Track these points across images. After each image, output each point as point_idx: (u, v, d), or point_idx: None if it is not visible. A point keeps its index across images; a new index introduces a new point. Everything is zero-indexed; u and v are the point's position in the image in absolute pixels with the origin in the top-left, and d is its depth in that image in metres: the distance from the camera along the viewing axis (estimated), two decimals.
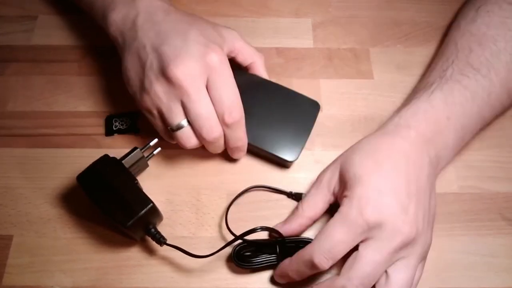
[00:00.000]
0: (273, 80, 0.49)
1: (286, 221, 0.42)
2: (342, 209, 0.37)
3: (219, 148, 0.43)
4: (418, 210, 0.38)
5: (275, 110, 0.47)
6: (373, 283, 0.37)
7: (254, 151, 0.47)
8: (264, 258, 0.41)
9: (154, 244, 0.42)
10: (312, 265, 0.36)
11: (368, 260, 0.36)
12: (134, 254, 0.42)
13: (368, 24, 0.56)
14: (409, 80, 0.52)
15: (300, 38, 0.55)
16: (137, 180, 0.42)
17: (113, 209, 0.38)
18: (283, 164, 0.46)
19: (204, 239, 0.43)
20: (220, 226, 0.44)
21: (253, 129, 0.45)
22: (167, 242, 0.40)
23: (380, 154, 0.40)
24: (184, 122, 0.40)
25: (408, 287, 0.37)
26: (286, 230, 0.41)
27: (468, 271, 0.42)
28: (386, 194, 0.37)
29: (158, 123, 0.42)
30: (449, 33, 0.50)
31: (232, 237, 0.40)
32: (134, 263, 0.42)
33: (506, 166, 0.47)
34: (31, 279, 0.41)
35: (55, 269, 0.41)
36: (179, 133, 0.40)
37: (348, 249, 0.37)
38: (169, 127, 0.41)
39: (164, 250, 0.42)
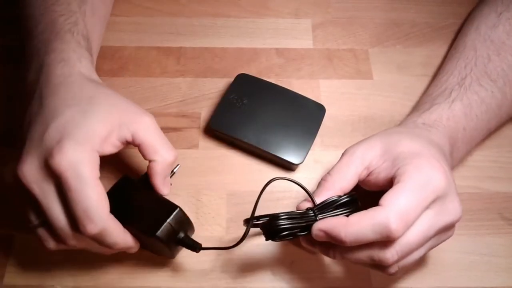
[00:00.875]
0: (273, 80, 0.50)
1: (316, 194, 0.37)
2: (411, 176, 0.34)
3: (105, 249, 0.36)
4: None
5: (281, 114, 0.47)
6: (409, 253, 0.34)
7: (260, 154, 0.47)
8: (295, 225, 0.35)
9: None
10: (385, 229, 0.32)
11: (418, 230, 0.33)
12: (134, 253, 0.42)
13: (368, 25, 0.56)
14: (409, 80, 0.52)
15: (299, 38, 0.55)
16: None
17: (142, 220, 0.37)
18: (288, 166, 0.47)
19: (204, 239, 0.43)
20: (220, 226, 0.44)
21: (259, 132, 0.46)
22: (202, 246, 0.38)
23: (424, 139, 0.38)
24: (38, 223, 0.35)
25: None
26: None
27: (467, 271, 0.42)
28: (446, 169, 0.35)
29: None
30: (467, 34, 0.49)
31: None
32: (134, 262, 0.42)
33: (505, 166, 0.47)
34: (32, 278, 0.41)
35: (56, 268, 0.42)
36: (39, 231, 0.36)
37: (418, 218, 0.33)
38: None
39: None
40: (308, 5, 0.57)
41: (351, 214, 0.34)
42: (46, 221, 0.34)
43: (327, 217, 0.35)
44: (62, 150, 0.33)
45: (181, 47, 0.54)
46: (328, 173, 0.38)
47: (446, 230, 0.36)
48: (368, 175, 0.38)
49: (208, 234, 0.43)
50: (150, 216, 0.37)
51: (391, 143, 0.38)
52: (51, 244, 0.36)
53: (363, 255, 0.34)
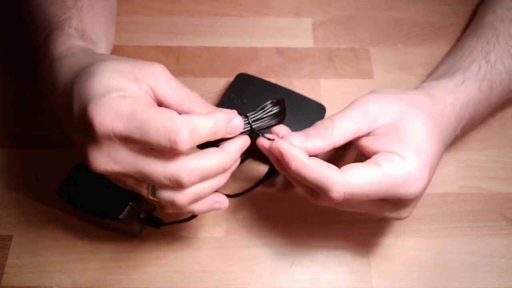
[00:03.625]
0: (273, 80, 0.49)
1: (309, 137, 0.35)
2: (392, 166, 0.33)
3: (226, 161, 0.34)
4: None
5: None
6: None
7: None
8: None
9: (154, 243, 0.42)
10: (324, 194, 0.33)
11: (366, 205, 0.35)
12: (133, 254, 0.42)
13: (369, 24, 0.56)
14: (410, 80, 0.52)
15: (300, 38, 0.55)
16: None
17: (103, 207, 0.38)
18: None
19: (204, 239, 0.43)
20: (219, 226, 0.44)
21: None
22: (165, 221, 0.40)
23: (439, 125, 0.37)
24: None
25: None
26: (307, 147, 0.35)
27: (469, 272, 0.42)
28: (430, 173, 0.35)
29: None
30: (483, 17, 0.49)
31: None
32: (133, 263, 0.42)
33: (507, 167, 0.47)
34: (30, 279, 0.41)
35: (54, 269, 0.41)
36: (161, 195, 0.33)
37: (363, 201, 0.34)
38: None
39: (164, 249, 0.42)
40: (309, 4, 0.57)
41: (279, 112, 0.36)
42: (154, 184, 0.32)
43: (259, 119, 0.36)
44: (96, 118, 0.29)
45: (180, 47, 0.54)
46: (330, 119, 0.36)
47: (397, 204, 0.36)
48: (365, 135, 0.36)
49: (207, 235, 0.43)
50: (111, 201, 0.38)
51: (407, 119, 0.35)
52: (179, 198, 0.32)
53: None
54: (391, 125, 0.35)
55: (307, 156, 0.34)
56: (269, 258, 0.42)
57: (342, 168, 0.33)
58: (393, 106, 0.36)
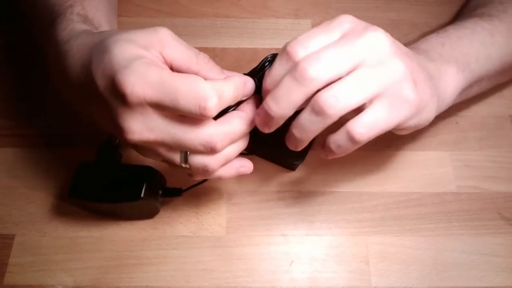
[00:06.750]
0: None
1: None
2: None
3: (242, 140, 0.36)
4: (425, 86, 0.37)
5: None
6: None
7: (260, 153, 0.47)
8: None
9: (154, 242, 0.43)
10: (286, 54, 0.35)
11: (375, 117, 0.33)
12: (134, 253, 0.42)
13: None
14: None
15: None
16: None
17: (121, 193, 0.39)
18: (290, 166, 0.46)
19: (204, 238, 0.43)
20: (220, 226, 0.44)
21: (259, 132, 0.45)
22: (183, 188, 0.42)
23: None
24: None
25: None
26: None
27: (467, 270, 0.42)
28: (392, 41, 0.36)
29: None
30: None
31: None
32: (134, 262, 0.42)
33: (505, 166, 0.47)
34: (32, 278, 0.41)
35: (56, 268, 0.42)
36: (193, 162, 0.33)
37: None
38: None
39: (165, 248, 0.43)
40: (308, 6, 0.57)
41: None
42: (186, 151, 0.33)
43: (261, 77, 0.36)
44: (128, 87, 0.29)
45: None
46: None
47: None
48: None
49: (208, 234, 0.43)
50: (127, 184, 0.39)
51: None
52: (211, 162, 0.33)
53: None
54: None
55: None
56: (269, 256, 0.43)
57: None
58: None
